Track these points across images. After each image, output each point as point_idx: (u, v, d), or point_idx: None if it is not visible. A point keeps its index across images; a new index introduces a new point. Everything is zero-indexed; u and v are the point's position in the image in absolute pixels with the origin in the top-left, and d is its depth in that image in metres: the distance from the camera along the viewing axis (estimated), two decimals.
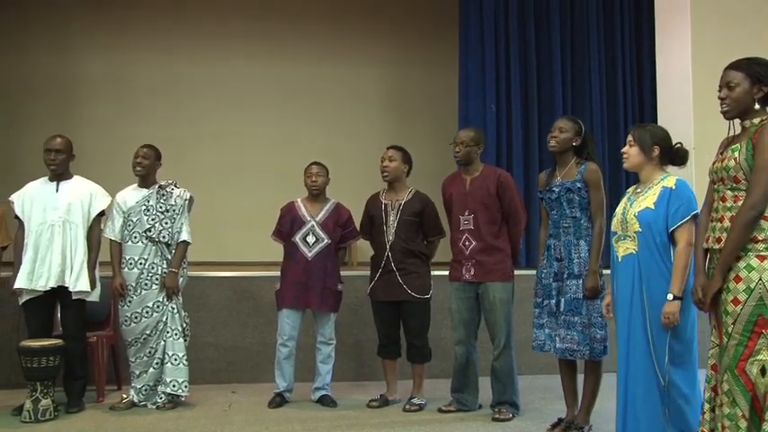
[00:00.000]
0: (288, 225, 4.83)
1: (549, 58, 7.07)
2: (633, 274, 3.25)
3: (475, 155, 4.53)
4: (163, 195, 4.72)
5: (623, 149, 3.44)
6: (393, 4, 8.38)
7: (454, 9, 7.19)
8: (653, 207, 3.22)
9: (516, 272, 4.55)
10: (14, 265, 4.52)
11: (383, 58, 8.38)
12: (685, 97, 5.94)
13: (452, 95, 7.19)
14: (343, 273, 4.94)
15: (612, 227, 3.42)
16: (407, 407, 4.60)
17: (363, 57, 8.28)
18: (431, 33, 8.15)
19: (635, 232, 3.25)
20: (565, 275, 3.95)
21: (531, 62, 7.03)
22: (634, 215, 3.27)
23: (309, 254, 4.74)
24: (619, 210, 3.40)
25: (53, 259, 4.44)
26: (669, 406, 3.15)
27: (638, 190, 3.38)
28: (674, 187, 3.23)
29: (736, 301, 2.71)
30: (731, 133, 2.92)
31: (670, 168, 3.42)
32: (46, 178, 4.64)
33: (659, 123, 5.60)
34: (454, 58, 7.17)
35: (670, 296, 3.11)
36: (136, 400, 4.63)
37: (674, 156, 3.40)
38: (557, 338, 3.93)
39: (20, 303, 4.51)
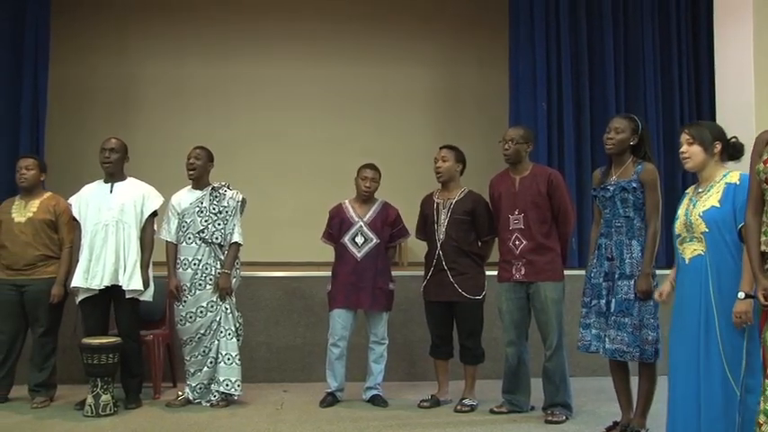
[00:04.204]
0: (337, 227, 4.86)
1: (601, 55, 6.93)
2: (702, 275, 3.13)
3: (524, 153, 4.48)
4: (216, 197, 4.80)
5: (682, 150, 3.32)
6: (442, 3, 8.35)
7: (504, 7, 7.11)
8: (718, 205, 3.12)
9: (569, 272, 4.50)
10: (71, 264, 4.68)
11: (433, 58, 8.34)
12: (746, 95, 5.73)
13: (503, 95, 7.12)
14: (393, 272, 4.95)
15: (676, 229, 3.31)
16: (459, 407, 4.58)
17: (413, 57, 8.25)
18: (481, 32, 8.08)
19: (702, 233, 3.15)
20: (616, 276, 3.89)
21: (582, 60, 6.91)
22: (699, 215, 3.16)
23: (359, 254, 4.76)
24: (681, 212, 3.29)
25: (107, 258, 4.56)
26: (744, 414, 2.99)
27: (699, 190, 3.27)
28: (738, 183, 3.12)
29: None
30: None
31: (728, 164, 3.30)
32: (101, 180, 4.78)
33: (718, 122, 5.45)
34: (504, 56, 7.10)
35: (741, 294, 2.95)
36: (191, 398, 4.72)
37: (731, 150, 3.28)
38: (606, 339, 3.87)
39: (76, 302, 4.65)
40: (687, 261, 3.23)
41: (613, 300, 3.88)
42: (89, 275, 4.55)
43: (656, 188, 3.89)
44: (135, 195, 4.71)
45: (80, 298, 4.61)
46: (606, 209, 4.00)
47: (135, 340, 4.74)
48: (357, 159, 5.02)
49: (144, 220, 4.71)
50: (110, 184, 4.73)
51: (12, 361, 4.73)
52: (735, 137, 3.32)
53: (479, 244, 4.72)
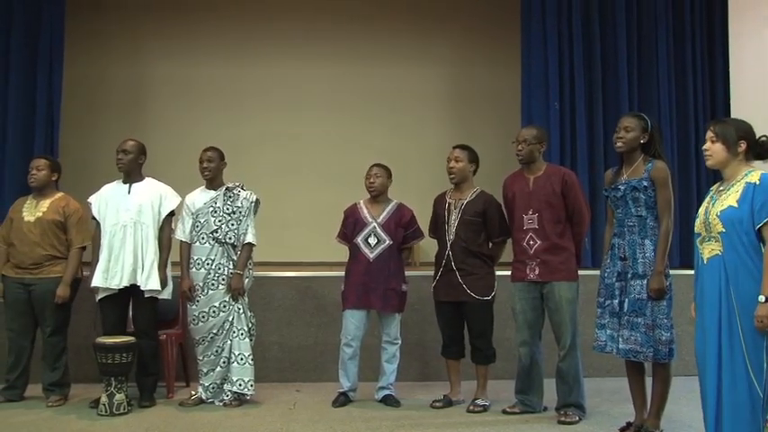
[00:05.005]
0: (351, 227, 4.86)
1: (614, 54, 6.88)
2: (719, 276, 3.08)
3: (537, 153, 4.47)
4: (230, 197, 4.81)
5: (705, 147, 3.26)
6: (455, 2, 8.34)
7: (516, 7, 7.09)
8: (736, 205, 3.06)
9: (583, 272, 4.48)
10: (92, 264, 4.71)
11: (445, 58, 8.34)
12: (761, 95, 5.66)
13: (515, 95, 7.09)
14: (406, 272, 4.94)
15: (696, 228, 3.25)
16: (471, 408, 4.57)
17: (425, 57, 8.24)
18: (493, 32, 8.06)
19: (718, 233, 3.09)
20: (629, 275, 3.87)
21: (595, 59, 6.87)
22: (716, 215, 3.11)
23: (371, 255, 4.76)
24: (701, 210, 3.24)
25: (125, 259, 4.59)
26: None
27: (722, 188, 3.21)
28: (758, 182, 3.05)
29: None
30: None
31: (754, 163, 3.22)
32: (120, 180, 4.81)
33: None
34: (517, 56, 7.07)
35: (762, 298, 2.90)
36: (204, 398, 4.74)
37: (759, 149, 3.21)
38: (619, 339, 3.86)
39: (96, 300, 4.68)
40: (705, 261, 3.17)
41: (626, 300, 3.86)
42: (108, 275, 4.59)
43: (668, 185, 3.86)
44: (152, 196, 4.74)
45: (99, 297, 4.65)
46: (618, 208, 3.98)
47: (153, 339, 4.78)
48: (369, 159, 5.02)
49: (161, 221, 4.73)
50: (128, 185, 4.76)
51: (25, 359, 4.77)
52: (765, 136, 3.23)
53: (490, 245, 4.71)
